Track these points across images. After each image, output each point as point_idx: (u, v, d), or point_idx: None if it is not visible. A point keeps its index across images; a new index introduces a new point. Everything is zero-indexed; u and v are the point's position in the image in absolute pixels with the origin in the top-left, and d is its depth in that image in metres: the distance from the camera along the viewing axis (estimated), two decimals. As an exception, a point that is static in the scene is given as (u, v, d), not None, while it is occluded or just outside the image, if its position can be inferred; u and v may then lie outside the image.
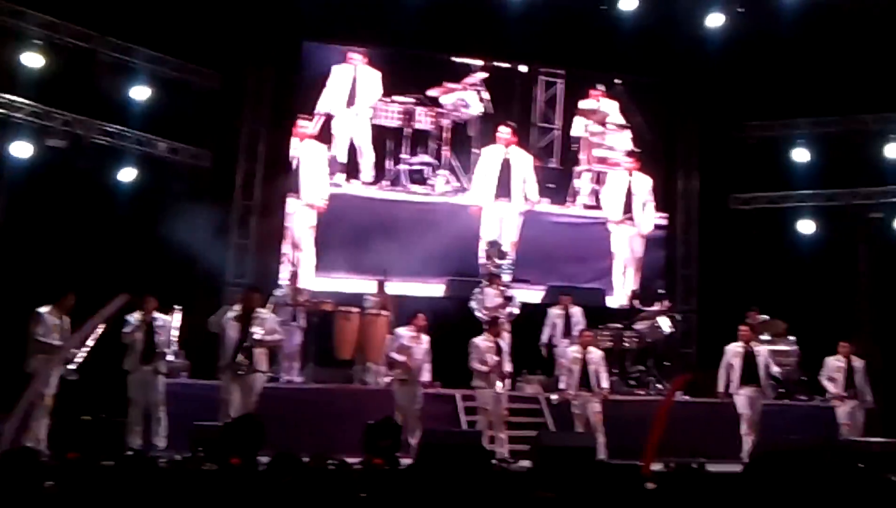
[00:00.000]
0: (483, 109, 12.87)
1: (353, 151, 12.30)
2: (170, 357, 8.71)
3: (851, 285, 12.56)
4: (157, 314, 8.50)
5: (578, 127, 13.28)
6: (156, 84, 11.04)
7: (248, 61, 11.81)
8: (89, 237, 10.19)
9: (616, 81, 13.34)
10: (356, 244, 11.54)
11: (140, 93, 10.90)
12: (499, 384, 8.83)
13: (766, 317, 11.13)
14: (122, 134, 10.92)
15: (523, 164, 12.63)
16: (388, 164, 12.52)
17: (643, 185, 13.01)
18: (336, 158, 12.20)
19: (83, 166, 10.50)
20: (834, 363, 9.79)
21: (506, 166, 12.50)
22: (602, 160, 13.32)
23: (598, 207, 13.14)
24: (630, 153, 13.20)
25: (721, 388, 9.60)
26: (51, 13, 10.29)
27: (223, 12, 11.19)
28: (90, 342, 8.12)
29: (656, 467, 7.25)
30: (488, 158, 12.56)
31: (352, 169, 12.28)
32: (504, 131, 12.51)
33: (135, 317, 8.41)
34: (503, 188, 12.44)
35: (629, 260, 12.82)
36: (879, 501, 5.12)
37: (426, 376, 9.05)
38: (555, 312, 10.76)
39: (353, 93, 12.38)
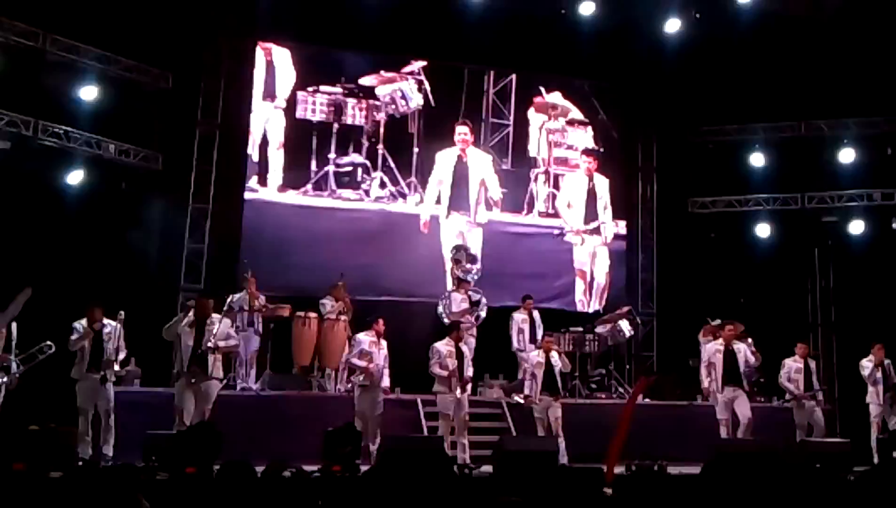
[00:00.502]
0: (422, 102, 11.97)
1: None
2: (117, 366, 8.39)
3: (806, 287, 12.78)
4: (105, 321, 8.20)
5: (534, 123, 12.71)
6: (105, 84, 10.74)
7: (200, 60, 11.55)
8: (36, 241, 9.83)
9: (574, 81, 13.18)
10: (276, 260, 10.61)
11: (88, 93, 10.59)
12: (458, 391, 8.71)
13: (717, 321, 11.18)
14: (70, 135, 10.58)
15: (482, 166, 12.23)
16: (313, 165, 11.43)
17: (604, 187, 12.88)
18: (251, 157, 11.31)
19: (29, 168, 10.14)
20: (792, 364, 9.86)
21: (462, 173, 11.93)
22: (562, 161, 12.87)
23: (556, 214, 12.60)
24: (588, 152, 12.89)
25: (705, 385, 9.48)
26: (-6, 11, 9.95)
27: (173, 11, 10.92)
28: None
29: (617, 469, 7.21)
30: (443, 165, 11.93)
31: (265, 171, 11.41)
32: (462, 132, 11.93)
33: (81, 324, 8.11)
34: (462, 200, 11.85)
35: (594, 275, 12.42)
36: (836, 501, 5.15)
37: (386, 381, 8.90)
38: (519, 317, 10.66)
39: (272, 84, 11.44)
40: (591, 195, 12.72)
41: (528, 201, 12.67)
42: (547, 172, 12.85)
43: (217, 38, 11.61)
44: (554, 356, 9.28)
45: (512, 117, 12.83)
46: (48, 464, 6.71)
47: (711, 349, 9.58)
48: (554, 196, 12.81)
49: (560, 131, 12.96)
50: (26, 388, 7.99)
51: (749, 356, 9.45)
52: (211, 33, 11.56)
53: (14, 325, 7.97)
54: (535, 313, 10.64)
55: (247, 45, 11.90)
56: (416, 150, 12.09)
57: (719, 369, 9.34)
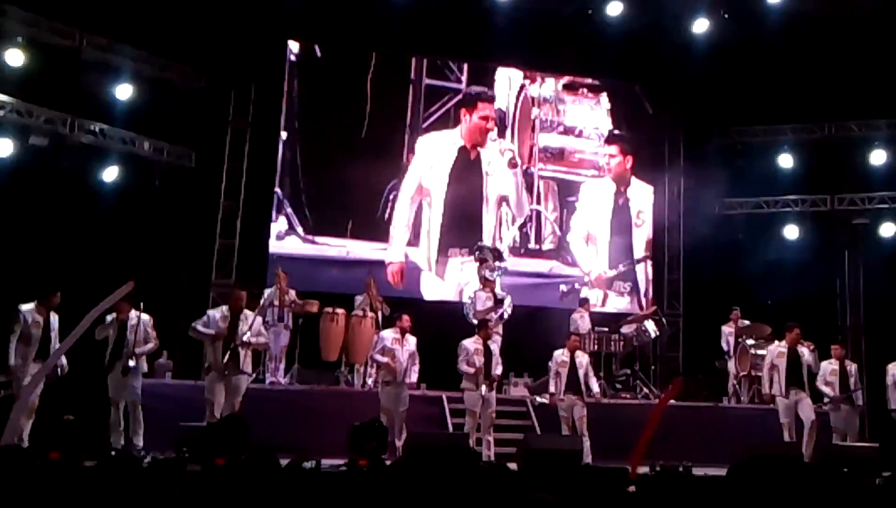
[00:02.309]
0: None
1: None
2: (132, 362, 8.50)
3: (836, 290, 12.65)
4: (133, 314, 8.34)
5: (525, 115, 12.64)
6: (139, 82, 10.95)
7: (233, 60, 11.74)
8: (72, 236, 10.05)
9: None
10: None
11: (124, 91, 10.81)
12: (483, 387, 8.77)
13: (747, 322, 11.14)
14: (106, 132, 10.81)
15: (503, 175, 12.39)
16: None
17: (643, 197, 12.81)
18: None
19: (66, 165, 10.37)
20: (828, 366, 9.58)
21: (472, 180, 12.15)
22: (557, 157, 12.86)
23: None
24: (614, 139, 12.86)
25: (766, 390, 9.31)
26: (34, 10, 10.17)
27: (208, 11, 11.10)
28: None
29: (642, 470, 7.23)
30: (433, 160, 12.13)
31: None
32: (484, 113, 12.28)
33: (111, 317, 8.28)
34: (471, 225, 12.20)
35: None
36: (862, 506, 5.12)
37: (413, 377, 8.98)
38: (577, 315, 10.94)
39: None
40: (622, 212, 12.68)
41: (534, 234, 12.86)
42: (526, 176, 12.77)
43: (249, 37, 11.77)
44: (579, 355, 9.31)
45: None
46: (82, 453, 6.90)
47: (774, 351, 9.33)
48: (560, 224, 12.91)
49: (550, 104, 13.09)
50: (64, 378, 8.15)
51: (812, 362, 9.17)
52: (243, 32, 11.72)
53: (55, 317, 8.13)
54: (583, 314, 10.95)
55: (278, 44, 12.07)
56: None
57: (782, 372, 9.10)
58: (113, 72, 10.84)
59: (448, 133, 12.64)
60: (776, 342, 9.56)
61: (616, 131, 13.20)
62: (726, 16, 12.10)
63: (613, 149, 13.18)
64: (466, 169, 12.49)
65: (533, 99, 13.14)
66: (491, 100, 12.73)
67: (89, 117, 10.66)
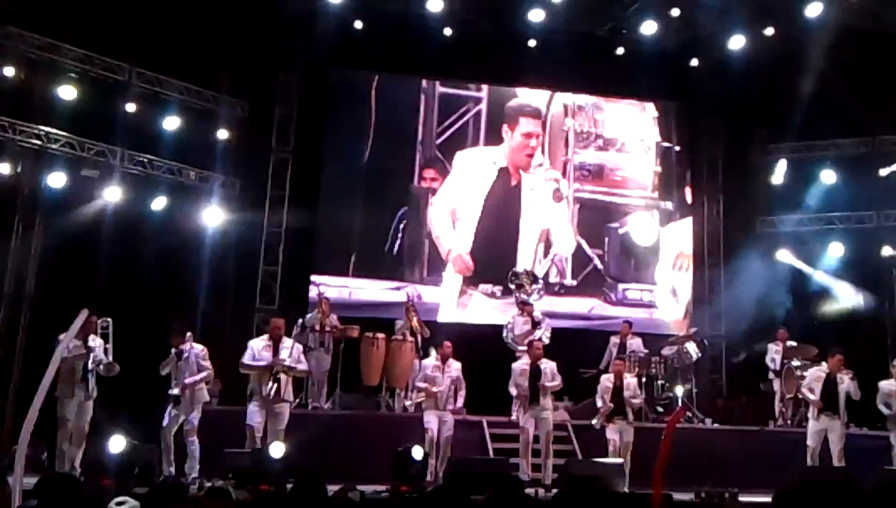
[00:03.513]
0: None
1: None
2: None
3: (883, 309, 12.37)
4: (187, 345, 8.50)
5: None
6: (185, 113, 11.27)
7: (274, 90, 12.02)
8: (122, 264, 10.35)
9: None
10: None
11: (170, 123, 11.14)
12: (520, 411, 8.75)
13: (793, 343, 10.95)
14: (154, 163, 11.14)
15: (546, 204, 11.70)
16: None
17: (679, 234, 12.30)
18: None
19: (116, 195, 10.70)
20: (887, 386, 9.12)
21: (511, 205, 11.42)
22: (596, 175, 12.00)
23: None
24: (663, 151, 12.07)
25: (812, 398, 9.04)
26: (85, 47, 10.56)
27: (248, 43, 11.41)
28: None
29: (688, 496, 7.16)
30: (471, 180, 11.47)
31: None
32: (529, 130, 11.70)
33: (173, 351, 8.41)
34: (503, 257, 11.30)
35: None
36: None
37: (458, 402, 9.00)
38: (613, 340, 10.85)
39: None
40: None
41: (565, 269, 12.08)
42: (557, 197, 12.12)
43: (290, 68, 12.06)
44: (626, 377, 9.27)
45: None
46: (133, 480, 7.10)
47: (814, 373, 9.18)
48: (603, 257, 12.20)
49: (586, 113, 12.22)
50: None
51: (853, 390, 8.92)
52: (284, 64, 12.02)
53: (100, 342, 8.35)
54: (634, 340, 10.81)
55: (319, 74, 12.33)
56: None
57: (817, 395, 8.95)
58: (160, 104, 11.19)
59: (490, 150, 11.88)
60: (822, 364, 9.39)
61: (666, 144, 12.38)
62: (771, 31, 11.90)
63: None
64: (505, 194, 11.75)
65: (566, 108, 12.33)
66: (535, 114, 11.88)
67: (137, 149, 11.00)
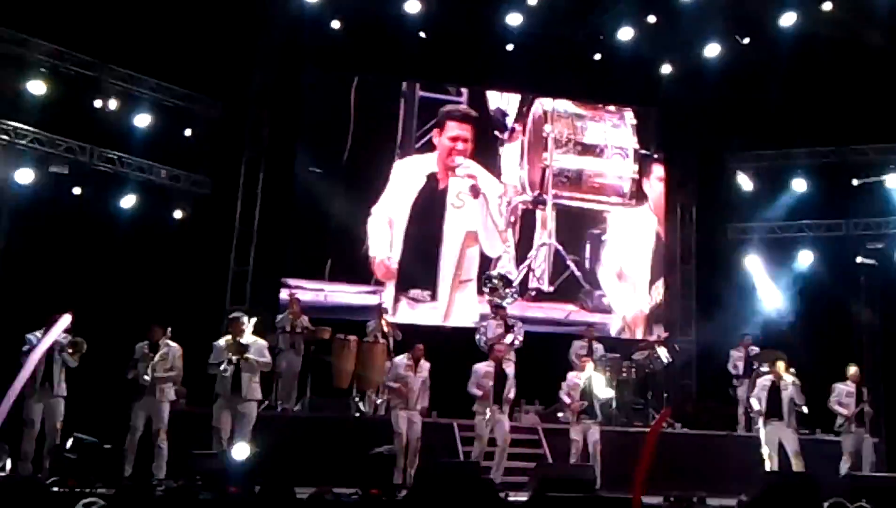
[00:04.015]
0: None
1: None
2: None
3: (850, 317, 12.51)
4: (168, 342, 8.40)
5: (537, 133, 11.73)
6: (157, 112, 11.12)
7: (248, 90, 11.92)
8: (90, 263, 10.19)
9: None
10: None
11: (142, 120, 10.99)
12: (487, 412, 8.73)
13: (756, 349, 11.07)
14: (124, 160, 10.98)
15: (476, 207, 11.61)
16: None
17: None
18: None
19: (84, 192, 10.54)
20: (843, 387, 9.52)
21: (434, 209, 11.34)
22: (596, 189, 12.17)
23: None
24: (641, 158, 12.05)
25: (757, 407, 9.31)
26: (55, 41, 10.40)
27: (223, 42, 11.30)
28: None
29: (656, 500, 7.18)
30: (402, 186, 11.39)
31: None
32: (456, 133, 11.56)
33: (141, 344, 8.33)
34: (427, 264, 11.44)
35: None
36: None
37: (422, 403, 8.96)
38: (578, 343, 10.78)
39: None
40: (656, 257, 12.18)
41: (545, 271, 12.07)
42: (538, 204, 12.13)
43: (265, 67, 11.96)
44: (595, 375, 9.26)
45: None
46: (96, 480, 6.99)
47: (762, 381, 9.37)
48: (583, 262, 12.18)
49: (566, 119, 12.08)
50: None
51: (796, 396, 9.13)
52: (259, 63, 11.92)
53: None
54: (598, 344, 10.77)
55: (293, 75, 12.23)
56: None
57: (763, 401, 9.18)
58: (132, 101, 11.03)
59: (425, 157, 11.79)
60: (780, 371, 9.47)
61: (644, 152, 12.45)
62: (746, 40, 12.01)
63: (658, 171, 12.58)
64: (432, 199, 11.61)
65: (546, 114, 12.26)
66: (464, 118, 11.78)
67: (108, 146, 10.84)
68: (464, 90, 12.51)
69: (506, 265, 11.76)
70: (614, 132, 12.50)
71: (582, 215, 12.36)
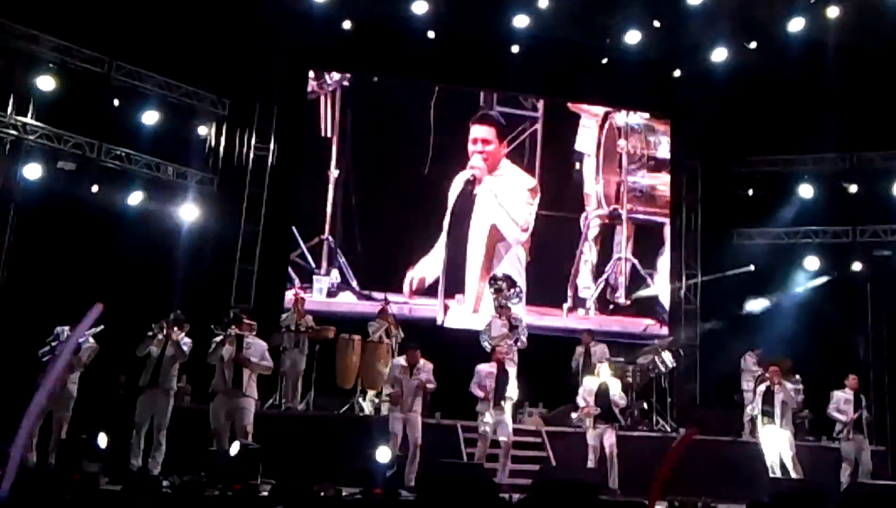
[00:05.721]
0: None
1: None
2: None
3: (857, 324, 12.47)
4: (181, 334, 8.37)
5: (586, 142, 11.90)
6: (165, 109, 11.14)
7: (255, 88, 11.92)
8: (97, 258, 10.20)
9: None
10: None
11: (149, 117, 11.00)
12: (489, 413, 8.71)
13: (760, 351, 11.06)
14: (131, 157, 10.99)
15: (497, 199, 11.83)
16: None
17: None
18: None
19: (92, 189, 10.55)
20: (842, 395, 9.58)
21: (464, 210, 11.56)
22: (664, 203, 12.02)
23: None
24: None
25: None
26: (65, 38, 10.42)
27: (231, 39, 11.31)
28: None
29: (661, 506, 7.14)
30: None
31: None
32: (479, 136, 11.70)
33: (154, 331, 8.31)
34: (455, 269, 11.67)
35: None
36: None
37: (418, 407, 8.79)
38: (579, 349, 10.77)
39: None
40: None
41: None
42: (614, 219, 12.32)
43: (272, 65, 11.96)
44: (611, 380, 9.25)
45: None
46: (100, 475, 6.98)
47: (762, 388, 9.44)
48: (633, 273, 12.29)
49: (639, 134, 12.26)
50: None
51: (789, 397, 9.23)
52: (266, 61, 11.92)
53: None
54: (597, 347, 10.68)
55: (300, 73, 12.24)
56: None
57: (758, 406, 9.33)
58: (140, 98, 11.05)
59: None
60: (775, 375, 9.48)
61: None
62: (754, 45, 11.97)
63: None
64: (465, 205, 11.90)
65: (619, 129, 12.42)
66: (483, 119, 12.01)
67: (116, 143, 10.85)
68: (539, 105, 12.53)
69: (585, 279, 11.92)
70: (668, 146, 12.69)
71: (658, 229, 12.56)
